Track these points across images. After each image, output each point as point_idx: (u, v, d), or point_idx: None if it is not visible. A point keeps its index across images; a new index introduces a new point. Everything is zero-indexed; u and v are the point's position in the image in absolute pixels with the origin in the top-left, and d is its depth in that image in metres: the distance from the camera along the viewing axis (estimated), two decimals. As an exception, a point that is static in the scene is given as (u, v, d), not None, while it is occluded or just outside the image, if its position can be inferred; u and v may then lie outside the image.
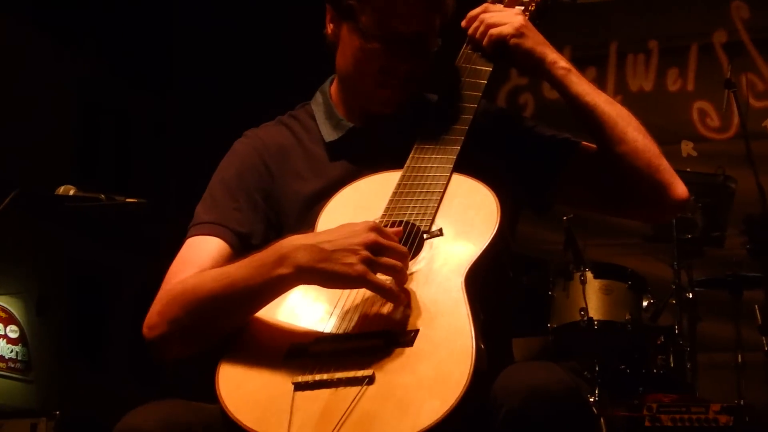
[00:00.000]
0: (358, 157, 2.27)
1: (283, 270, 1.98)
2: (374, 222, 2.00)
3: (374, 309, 1.98)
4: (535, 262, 5.51)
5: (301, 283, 2.01)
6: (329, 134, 2.30)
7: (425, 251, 2.05)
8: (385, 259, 1.95)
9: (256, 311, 2.05)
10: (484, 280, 2.01)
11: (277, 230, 2.23)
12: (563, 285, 5.13)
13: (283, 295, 2.04)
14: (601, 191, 2.27)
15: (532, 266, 5.42)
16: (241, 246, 2.18)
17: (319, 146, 2.31)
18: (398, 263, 1.96)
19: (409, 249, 2.04)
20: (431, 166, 2.16)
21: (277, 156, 2.30)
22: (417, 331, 1.91)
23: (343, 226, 2.00)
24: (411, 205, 2.11)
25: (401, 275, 1.97)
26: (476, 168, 2.14)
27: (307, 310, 2.03)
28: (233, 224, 2.21)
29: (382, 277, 1.94)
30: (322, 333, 1.98)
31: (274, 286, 2.01)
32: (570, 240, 5.15)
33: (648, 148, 2.19)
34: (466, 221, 2.07)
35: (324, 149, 2.30)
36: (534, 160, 2.29)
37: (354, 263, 1.93)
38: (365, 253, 1.94)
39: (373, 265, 1.94)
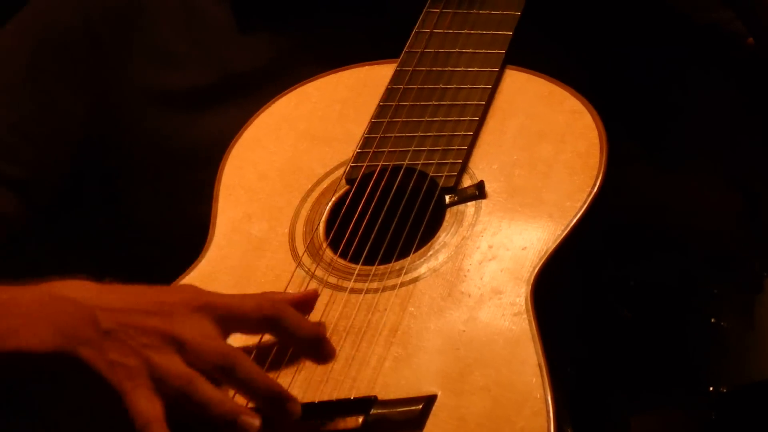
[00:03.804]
0: (302, 28, 1.54)
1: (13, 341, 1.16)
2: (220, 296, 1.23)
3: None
4: (674, 245, 4.44)
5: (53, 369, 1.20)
6: None
7: (449, 231, 1.35)
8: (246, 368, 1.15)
9: None
10: (575, 294, 1.37)
11: (103, 177, 1.49)
12: (741, 303, 3.87)
13: None
14: None
15: (669, 255, 4.36)
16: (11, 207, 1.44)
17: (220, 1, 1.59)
18: (265, 382, 1.16)
19: (416, 226, 1.36)
20: (459, 52, 1.48)
21: (122, 12, 1.53)
22: (433, 398, 1.21)
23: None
24: (417, 134, 1.42)
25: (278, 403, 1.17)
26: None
27: None
28: None
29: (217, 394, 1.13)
30: None
31: None
32: (751, 195, 3.88)
33: None
34: (533, 168, 1.39)
35: (228, 7, 1.56)
36: None
37: (124, 360, 1.14)
38: (150, 340, 1.13)
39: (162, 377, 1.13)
